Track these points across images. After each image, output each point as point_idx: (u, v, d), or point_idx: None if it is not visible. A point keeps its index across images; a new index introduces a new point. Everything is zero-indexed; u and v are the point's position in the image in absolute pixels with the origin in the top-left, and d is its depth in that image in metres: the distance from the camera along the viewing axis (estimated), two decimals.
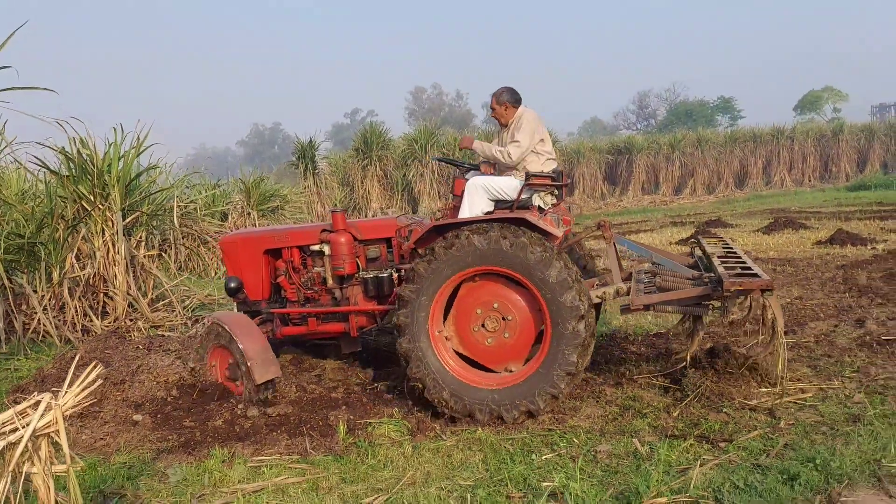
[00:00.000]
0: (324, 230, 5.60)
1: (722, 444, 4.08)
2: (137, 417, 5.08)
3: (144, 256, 8.97)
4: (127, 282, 8.40)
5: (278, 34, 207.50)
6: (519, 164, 5.28)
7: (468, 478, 3.95)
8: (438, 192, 25.97)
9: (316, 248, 5.61)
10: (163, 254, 11.94)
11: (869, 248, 10.85)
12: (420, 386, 4.86)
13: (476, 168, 5.75)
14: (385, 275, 5.40)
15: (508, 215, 4.92)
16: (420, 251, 5.03)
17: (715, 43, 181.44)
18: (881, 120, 50.39)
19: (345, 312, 5.55)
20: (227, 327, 5.23)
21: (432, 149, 25.92)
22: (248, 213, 14.46)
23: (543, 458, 4.12)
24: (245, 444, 4.55)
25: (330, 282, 5.57)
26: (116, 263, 8.33)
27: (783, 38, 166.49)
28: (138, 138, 9.01)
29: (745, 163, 36.46)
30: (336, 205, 24.12)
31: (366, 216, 25.40)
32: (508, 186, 5.23)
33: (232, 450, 4.46)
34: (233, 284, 5.74)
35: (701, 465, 3.73)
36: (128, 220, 8.81)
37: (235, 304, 6.03)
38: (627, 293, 5.08)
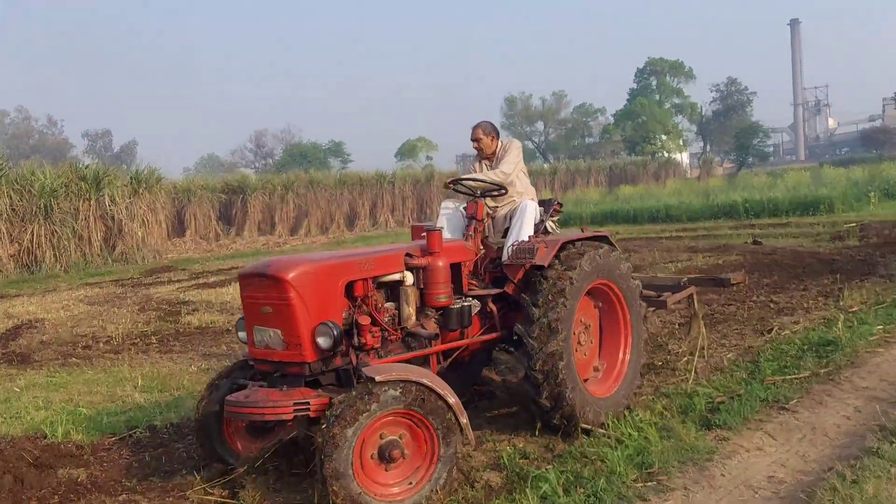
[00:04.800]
0: (408, 254, 4.69)
1: None
2: None
3: None
4: None
5: None
6: (519, 186, 5.70)
7: None
8: (10, 237, 21.63)
9: (395, 277, 4.66)
10: None
11: None
12: (569, 413, 4.76)
13: (492, 194, 5.62)
14: (468, 303, 4.93)
15: (597, 233, 5.47)
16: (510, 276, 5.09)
17: (326, 88, 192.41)
18: (464, 168, 57.99)
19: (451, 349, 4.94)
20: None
21: (1, 183, 21.48)
22: None
23: None
24: None
25: (413, 319, 4.68)
26: None
27: (386, 90, 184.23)
28: None
29: (354, 204, 38.38)
30: None
31: None
32: (539, 211, 5.60)
33: None
34: (336, 333, 4.13)
35: None
36: None
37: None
38: None
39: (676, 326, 8.09)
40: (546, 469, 4.25)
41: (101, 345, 9.64)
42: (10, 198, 21.55)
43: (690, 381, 5.94)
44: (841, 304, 8.53)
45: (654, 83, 69.74)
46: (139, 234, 24.41)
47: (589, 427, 4.84)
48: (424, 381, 3.94)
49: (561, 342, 4.72)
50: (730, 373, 6.14)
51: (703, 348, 6.65)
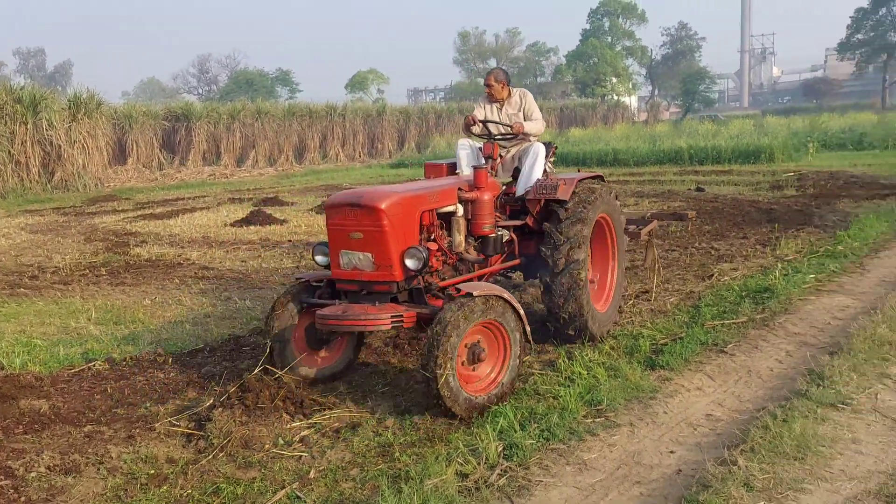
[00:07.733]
0: (459, 188, 5.39)
1: None
2: None
3: None
4: None
5: None
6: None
7: None
8: None
9: (450, 208, 5.30)
10: None
11: None
12: (580, 325, 5.54)
13: (506, 137, 6.22)
14: (502, 233, 5.72)
15: (593, 174, 6.23)
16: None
17: (273, 12, 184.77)
18: (415, 103, 57.15)
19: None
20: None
21: None
22: None
23: None
24: None
25: (462, 246, 5.37)
26: None
27: (337, 19, 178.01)
28: None
29: (303, 137, 37.59)
30: None
31: None
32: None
33: None
34: (424, 256, 4.66)
35: None
36: None
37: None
38: None
39: None
40: (502, 405, 4.50)
41: (49, 275, 9.46)
42: None
43: (653, 298, 6.94)
44: (777, 252, 9.00)
45: (607, 24, 69.37)
46: (79, 160, 23.51)
47: (596, 336, 5.66)
48: (504, 295, 4.56)
49: (582, 256, 5.50)
50: (672, 316, 6.48)
51: (660, 269, 7.61)
